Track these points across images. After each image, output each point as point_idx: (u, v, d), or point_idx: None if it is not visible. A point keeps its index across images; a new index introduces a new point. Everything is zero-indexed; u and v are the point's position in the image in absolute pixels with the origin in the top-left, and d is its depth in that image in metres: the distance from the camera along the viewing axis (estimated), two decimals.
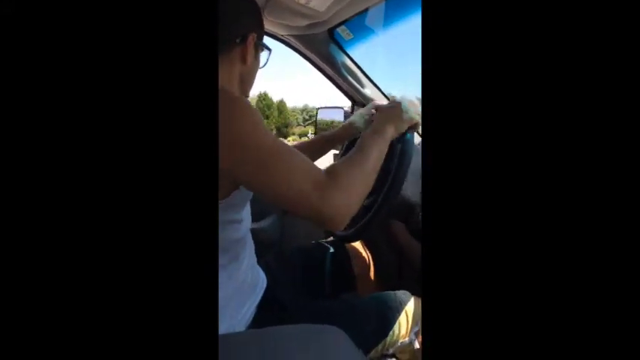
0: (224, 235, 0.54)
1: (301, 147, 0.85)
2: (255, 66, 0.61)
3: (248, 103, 0.49)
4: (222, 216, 0.52)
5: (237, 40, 0.56)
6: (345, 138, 0.83)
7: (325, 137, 0.84)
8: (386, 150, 0.58)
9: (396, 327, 0.63)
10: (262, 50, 0.62)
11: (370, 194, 0.74)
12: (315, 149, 0.83)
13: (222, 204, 0.51)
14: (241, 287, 0.59)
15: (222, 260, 0.54)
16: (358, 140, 0.57)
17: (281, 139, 0.52)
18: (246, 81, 0.60)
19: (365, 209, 0.77)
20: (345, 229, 0.76)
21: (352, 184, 0.49)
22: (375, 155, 0.55)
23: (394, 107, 0.64)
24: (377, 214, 0.66)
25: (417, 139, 1.08)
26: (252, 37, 0.57)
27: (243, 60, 0.57)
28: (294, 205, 0.47)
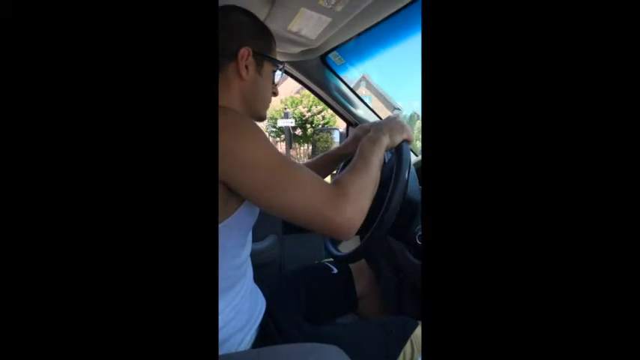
0: (224, 261, 0.53)
1: (309, 165, 0.85)
2: (258, 82, 0.59)
3: (249, 121, 0.50)
4: (224, 241, 0.51)
5: (229, 56, 0.56)
6: (349, 153, 0.84)
7: (330, 155, 0.84)
8: (382, 158, 0.60)
9: (400, 357, 0.61)
10: (272, 66, 0.61)
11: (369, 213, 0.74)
12: (323, 166, 0.84)
13: (224, 226, 0.51)
14: (240, 313, 0.58)
15: (221, 286, 0.54)
16: (357, 150, 0.60)
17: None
18: (251, 99, 0.59)
19: (364, 229, 0.77)
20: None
21: (359, 191, 0.52)
22: (375, 162, 0.57)
23: (388, 120, 0.67)
24: (376, 233, 0.67)
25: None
26: (245, 52, 0.56)
27: (239, 76, 0.56)
28: (307, 219, 0.49)
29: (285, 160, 0.50)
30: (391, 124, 0.66)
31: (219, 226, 0.50)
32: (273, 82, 0.63)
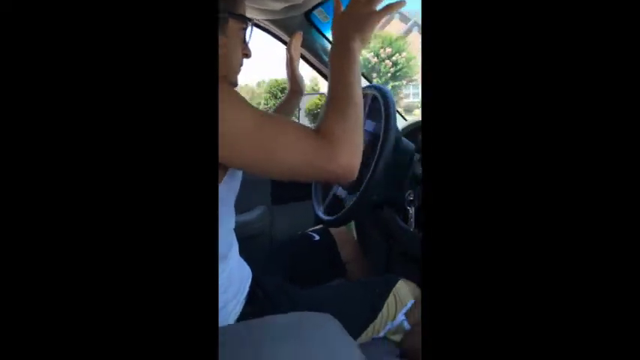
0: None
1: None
2: (222, 41, 0.53)
3: (225, 86, 0.45)
4: None
5: None
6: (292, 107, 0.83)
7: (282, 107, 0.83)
8: (359, 70, 0.51)
9: (384, 309, 0.64)
10: (239, 23, 0.55)
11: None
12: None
13: None
14: (229, 282, 0.58)
15: None
16: (329, 72, 0.51)
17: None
18: (221, 62, 0.53)
19: (350, 194, 0.76)
20: (332, 214, 0.75)
21: (347, 129, 0.47)
22: (353, 83, 0.49)
23: (350, 12, 0.53)
24: (362, 198, 0.66)
25: (401, 121, 1.08)
26: None
27: None
28: (303, 174, 0.47)
29: (265, 120, 0.46)
30: (354, 16, 0.52)
31: None
32: (243, 41, 0.58)
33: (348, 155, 0.46)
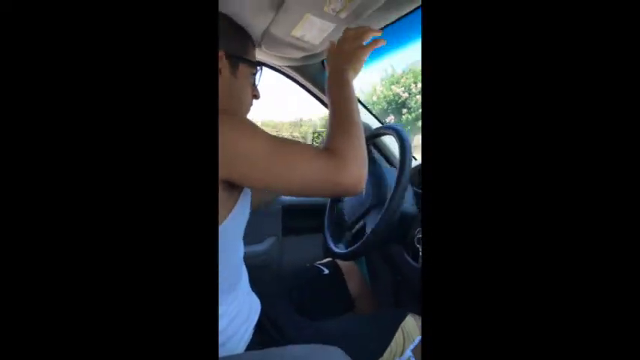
0: (224, 263, 0.54)
1: None
2: (233, 84, 0.59)
3: (237, 115, 0.51)
4: (223, 243, 0.52)
5: None
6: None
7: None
8: (354, 94, 0.58)
9: (393, 344, 0.63)
10: (249, 68, 0.61)
11: (367, 213, 0.75)
12: None
13: (222, 228, 0.52)
14: (237, 312, 0.59)
15: (221, 288, 0.54)
16: (328, 102, 0.58)
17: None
18: (227, 101, 0.58)
19: (362, 229, 0.78)
20: (344, 248, 0.77)
21: (352, 144, 0.52)
22: (351, 106, 0.56)
23: (342, 47, 0.61)
24: (374, 234, 0.68)
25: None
26: (219, 54, 0.57)
27: None
28: (313, 190, 0.50)
29: (278, 141, 0.51)
30: (345, 51, 0.60)
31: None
32: (253, 84, 0.64)
33: (356, 167, 0.51)
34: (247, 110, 0.65)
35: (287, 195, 0.52)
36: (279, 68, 1.09)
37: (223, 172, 0.47)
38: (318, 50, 0.93)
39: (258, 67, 0.64)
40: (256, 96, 0.66)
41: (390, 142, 1.14)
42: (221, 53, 0.57)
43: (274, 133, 0.54)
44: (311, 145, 0.53)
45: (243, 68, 0.61)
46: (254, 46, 0.65)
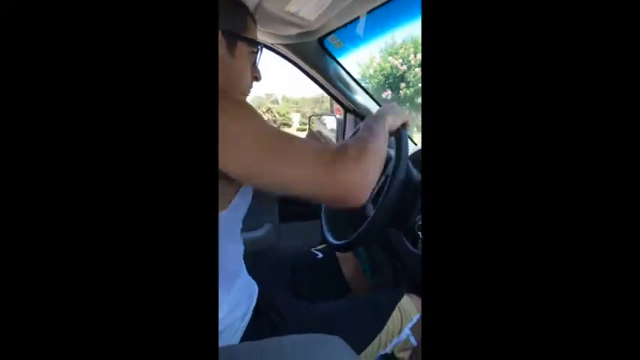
0: (226, 253, 0.52)
1: None
2: (231, 64, 0.55)
3: (235, 99, 0.47)
4: (223, 233, 0.50)
5: None
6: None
7: None
8: (386, 134, 0.58)
9: (390, 322, 0.63)
10: (249, 47, 0.57)
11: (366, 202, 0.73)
12: None
13: (222, 218, 0.50)
14: (240, 301, 0.59)
15: (222, 277, 0.53)
16: (359, 127, 0.56)
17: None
18: (224, 83, 0.53)
19: (361, 218, 0.77)
20: (341, 239, 0.75)
21: (362, 153, 0.46)
22: (380, 132, 0.53)
23: (387, 106, 0.65)
24: (374, 221, 0.66)
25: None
26: None
27: None
28: (309, 189, 0.45)
29: (277, 130, 0.46)
30: (390, 109, 0.64)
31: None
32: (253, 64, 0.59)
33: (358, 176, 0.44)
34: (247, 92, 0.60)
35: (274, 191, 0.48)
36: (272, 46, 1.04)
37: (220, 162, 0.44)
38: (314, 27, 0.89)
39: (259, 46, 0.59)
40: (257, 77, 0.61)
41: None
42: None
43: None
44: (315, 141, 0.49)
45: (241, 47, 0.56)
46: (255, 23, 0.60)
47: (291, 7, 0.77)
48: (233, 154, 0.43)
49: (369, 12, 0.82)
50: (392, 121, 0.61)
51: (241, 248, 0.62)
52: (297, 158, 0.44)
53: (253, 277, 0.67)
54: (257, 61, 0.60)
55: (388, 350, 0.64)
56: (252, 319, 0.60)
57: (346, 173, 0.44)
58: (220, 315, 0.54)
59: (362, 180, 0.45)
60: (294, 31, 0.92)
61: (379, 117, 0.59)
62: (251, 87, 0.61)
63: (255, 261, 0.73)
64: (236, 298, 0.58)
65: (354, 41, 1.04)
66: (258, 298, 0.64)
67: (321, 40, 1.01)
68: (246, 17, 0.57)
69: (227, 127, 0.42)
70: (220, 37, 0.53)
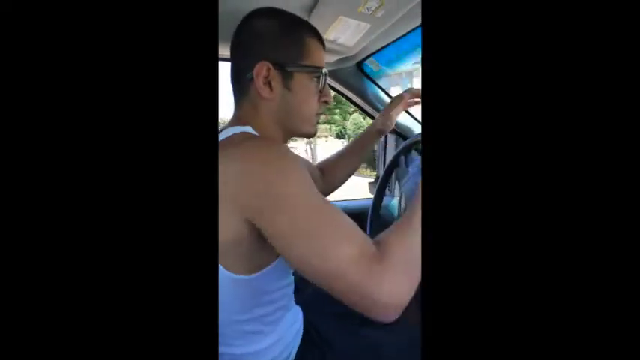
0: (276, 295, 0.51)
1: (331, 160, 0.86)
2: (288, 97, 0.50)
3: (283, 151, 0.42)
4: (271, 282, 0.48)
5: (248, 76, 0.49)
6: (369, 142, 0.85)
7: (353, 146, 0.84)
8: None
9: None
10: (308, 74, 0.51)
11: None
12: (346, 161, 0.84)
13: (269, 269, 0.47)
14: (286, 332, 0.57)
15: (270, 313, 0.52)
16: (412, 202, 0.46)
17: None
18: (285, 118, 0.51)
19: None
20: None
21: (410, 257, 0.39)
22: (417, 211, 0.44)
23: None
24: None
25: None
26: (260, 67, 0.48)
27: (260, 96, 0.49)
28: (342, 287, 0.38)
29: (326, 203, 0.41)
30: None
31: (266, 270, 0.46)
32: (320, 89, 0.53)
33: (405, 289, 0.38)
34: (310, 121, 0.55)
35: (300, 271, 0.41)
36: None
37: (251, 212, 0.39)
38: (353, 53, 0.91)
39: (321, 70, 0.53)
40: (327, 102, 0.56)
41: None
42: (265, 65, 0.48)
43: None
44: (361, 232, 0.41)
45: (300, 77, 0.50)
46: (321, 42, 0.53)
47: (330, 35, 0.80)
48: (270, 210, 0.39)
49: (404, 35, 0.83)
50: None
51: (290, 284, 0.57)
52: (339, 245, 0.38)
53: (298, 303, 0.66)
54: (323, 84, 0.53)
55: None
56: (299, 349, 0.58)
57: (388, 285, 0.37)
58: (266, 347, 0.53)
59: (404, 294, 0.38)
60: (334, 57, 0.95)
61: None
62: (320, 113, 0.56)
63: (298, 285, 0.73)
64: (283, 330, 0.56)
65: (391, 63, 1.05)
66: (304, 325, 0.62)
67: (359, 64, 1.03)
68: (303, 41, 0.51)
69: (268, 180, 0.39)
70: (273, 73, 0.49)
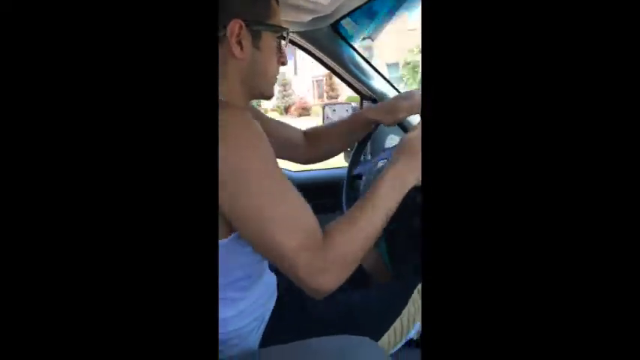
0: (242, 263, 0.50)
1: (337, 125, 0.81)
2: (258, 58, 0.50)
3: (246, 123, 0.42)
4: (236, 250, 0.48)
5: (221, 34, 0.47)
6: (360, 129, 0.78)
7: (358, 117, 0.77)
8: (399, 201, 0.49)
9: (411, 306, 0.61)
10: (274, 34, 0.51)
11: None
12: (351, 129, 0.77)
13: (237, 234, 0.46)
14: (257, 298, 0.57)
15: (243, 284, 0.52)
16: (373, 186, 0.48)
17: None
18: (252, 78, 0.51)
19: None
20: None
21: (351, 252, 0.44)
22: (388, 209, 0.47)
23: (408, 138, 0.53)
24: (400, 227, 0.64)
25: None
26: (235, 25, 0.46)
27: (232, 54, 0.48)
28: (279, 263, 0.42)
29: (280, 182, 0.43)
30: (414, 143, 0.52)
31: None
32: (279, 49, 0.54)
33: (334, 282, 0.43)
34: (273, 82, 0.56)
35: (244, 236, 0.44)
36: None
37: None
38: (327, 11, 0.85)
39: (284, 31, 0.53)
40: (284, 62, 0.56)
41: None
42: (239, 23, 0.47)
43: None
44: (310, 215, 0.44)
45: (267, 36, 0.50)
46: (277, 4, 0.53)
47: None
48: (224, 181, 0.39)
49: None
50: (417, 180, 0.49)
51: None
52: (282, 225, 0.41)
53: (273, 270, 0.65)
54: (284, 45, 0.54)
55: (413, 336, 0.62)
56: (273, 313, 0.59)
57: (322, 272, 0.42)
58: (244, 316, 0.53)
59: (334, 283, 0.43)
60: (306, 17, 0.88)
61: (403, 176, 0.49)
62: (277, 73, 0.57)
63: None
64: (255, 296, 0.56)
65: (369, 23, 0.99)
66: (279, 292, 0.62)
67: (334, 25, 0.97)
68: (269, 1, 0.51)
69: (227, 152, 0.38)
70: (244, 32, 0.48)
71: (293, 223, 0.42)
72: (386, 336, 0.59)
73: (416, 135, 0.52)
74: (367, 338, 0.46)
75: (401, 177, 0.49)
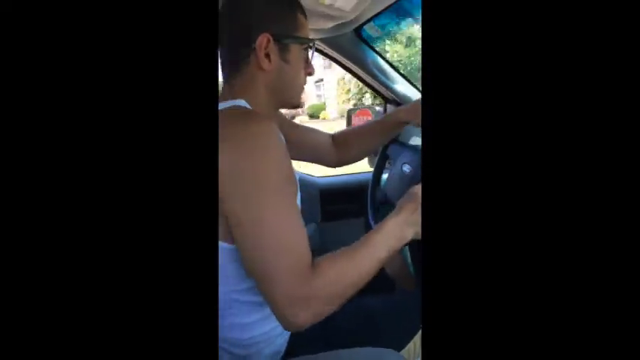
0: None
1: (368, 126, 0.80)
2: (285, 70, 0.51)
3: (267, 133, 0.43)
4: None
5: (250, 47, 0.49)
6: (391, 129, 0.78)
7: (374, 127, 0.78)
8: (396, 250, 0.48)
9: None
10: (301, 46, 0.52)
11: None
12: (383, 130, 0.78)
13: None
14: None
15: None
16: (371, 234, 0.47)
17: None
18: (279, 90, 0.52)
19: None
20: None
21: (335, 290, 0.42)
22: (381, 260, 0.46)
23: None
24: None
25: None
26: (263, 39, 0.48)
27: (260, 67, 0.49)
28: (261, 280, 0.41)
29: (288, 197, 0.43)
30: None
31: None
32: (306, 60, 0.55)
33: (312, 319, 0.41)
34: (300, 92, 0.56)
35: (245, 265, 0.43)
36: None
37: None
38: (350, 17, 0.85)
39: (311, 42, 0.54)
40: (310, 73, 0.57)
41: None
42: (267, 37, 0.48)
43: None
44: (303, 241, 0.42)
45: (294, 48, 0.51)
46: (305, 16, 0.54)
47: (327, 0, 0.73)
48: (227, 183, 0.40)
49: None
50: (417, 234, 0.48)
51: None
52: (276, 248, 0.40)
53: None
54: (311, 56, 0.55)
55: None
56: None
57: (299, 316, 0.40)
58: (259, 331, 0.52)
59: (310, 321, 0.41)
60: (329, 23, 0.88)
61: (403, 230, 0.47)
62: (304, 84, 0.57)
63: None
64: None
65: (393, 27, 0.98)
66: None
67: (357, 30, 0.96)
68: (296, 14, 0.52)
69: (237, 153, 0.40)
70: (272, 45, 0.49)
71: (288, 245, 0.41)
72: (411, 344, 0.58)
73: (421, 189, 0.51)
74: (392, 350, 0.46)
75: (400, 229, 0.47)
